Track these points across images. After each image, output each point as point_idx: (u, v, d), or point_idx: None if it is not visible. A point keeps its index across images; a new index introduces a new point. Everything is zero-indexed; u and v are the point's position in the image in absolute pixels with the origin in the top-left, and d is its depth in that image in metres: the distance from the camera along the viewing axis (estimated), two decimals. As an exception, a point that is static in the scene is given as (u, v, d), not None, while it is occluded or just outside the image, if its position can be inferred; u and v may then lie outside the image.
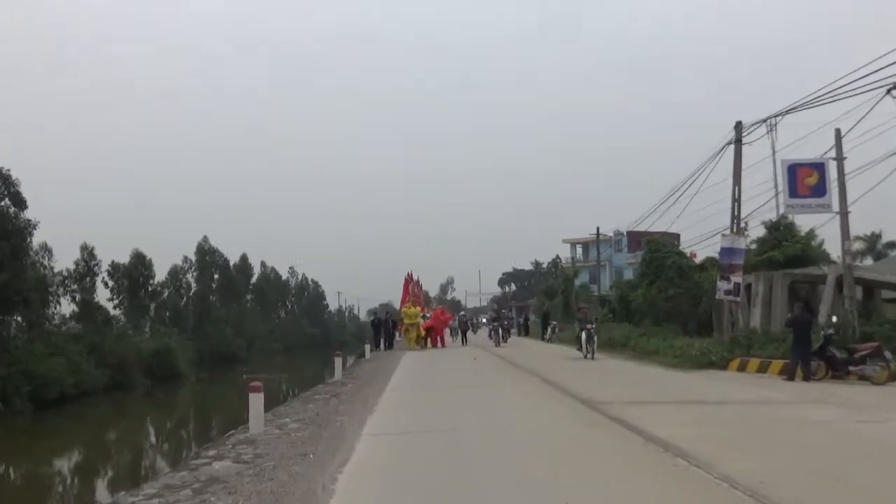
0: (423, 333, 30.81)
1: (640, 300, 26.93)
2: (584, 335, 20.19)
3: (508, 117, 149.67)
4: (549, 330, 35.37)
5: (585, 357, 19.93)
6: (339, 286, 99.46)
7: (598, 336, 21.27)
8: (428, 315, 32.48)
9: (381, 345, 31.96)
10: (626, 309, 29.72)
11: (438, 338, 32.10)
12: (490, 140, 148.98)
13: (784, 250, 21.32)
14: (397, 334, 34.42)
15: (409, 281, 33.61)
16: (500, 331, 30.41)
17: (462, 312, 45.04)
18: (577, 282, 49.46)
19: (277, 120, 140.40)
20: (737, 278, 18.86)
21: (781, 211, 19.75)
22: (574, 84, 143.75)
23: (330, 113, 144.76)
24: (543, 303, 54.69)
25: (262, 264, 73.06)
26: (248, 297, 67.42)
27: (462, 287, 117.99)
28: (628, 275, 48.85)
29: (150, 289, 47.54)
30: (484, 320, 60.19)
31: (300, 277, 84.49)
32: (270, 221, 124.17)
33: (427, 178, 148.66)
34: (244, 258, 65.62)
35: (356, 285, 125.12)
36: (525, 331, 44.22)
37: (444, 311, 37.12)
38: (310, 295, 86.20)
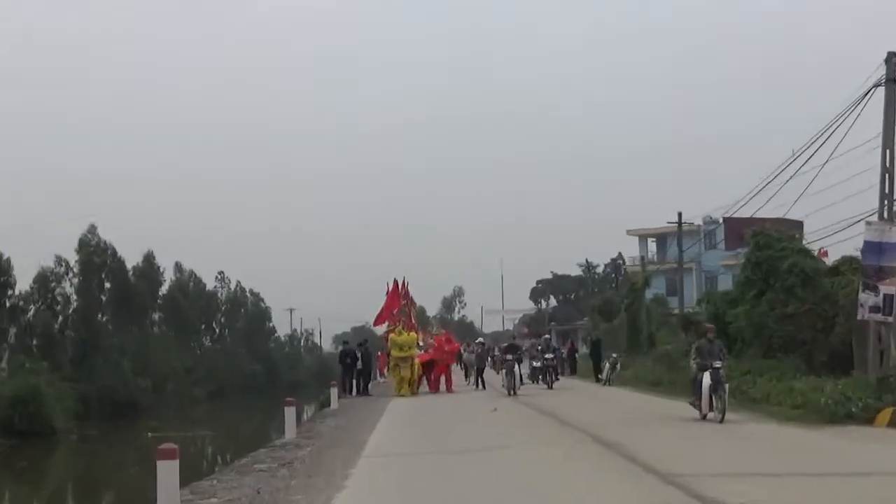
0: (418, 372, 30.80)
1: (743, 321, 26.91)
2: (706, 379, 17.43)
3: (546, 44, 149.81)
4: (608, 366, 35.33)
5: (705, 417, 17.56)
6: (292, 301, 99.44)
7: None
8: (422, 344, 32.47)
9: (354, 387, 32.01)
10: (722, 333, 29.66)
11: (442, 377, 32.17)
12: (521, 88, 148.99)
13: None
14: (377, 372, 34.49)
15: (397, 294, 33.58)
16: (518, 369, 29.90)
17: (479, 339, 45.06)
18: (649, 293, 49.39)
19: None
20: (889, 288, 18.81)
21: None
22: None
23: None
24: (597, 325, 54.65)
25: (178, 267, 73.53)
26: (156, 315, 67.66)
27: (475, 301, 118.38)
28: (725, 283, 48.77)
29: (7, 303, 47.76)
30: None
31: (234, 287, 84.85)
32: (188, 207, 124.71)
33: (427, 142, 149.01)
34: (149, 258, 65.71)
35: (316, 300, 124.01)
36: (571, 368, 44.24)
37: (451, 337, 37.19)
38: (248, 313, 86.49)
